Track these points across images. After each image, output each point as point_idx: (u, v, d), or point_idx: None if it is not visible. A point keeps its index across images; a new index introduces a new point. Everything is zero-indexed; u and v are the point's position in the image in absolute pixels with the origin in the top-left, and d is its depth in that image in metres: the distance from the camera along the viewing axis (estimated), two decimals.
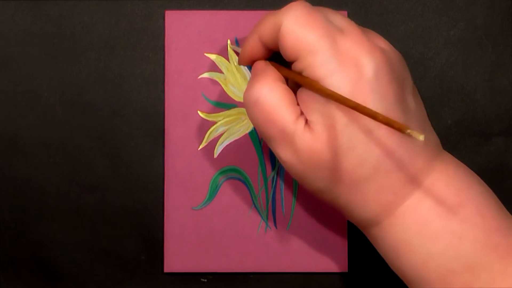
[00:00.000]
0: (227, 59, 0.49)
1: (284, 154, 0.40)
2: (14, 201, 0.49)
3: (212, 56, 0.49)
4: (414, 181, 0.39)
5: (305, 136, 0.39)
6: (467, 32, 0.49)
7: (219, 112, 0.49)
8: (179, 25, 0.49)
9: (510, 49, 0.49)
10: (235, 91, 0.49)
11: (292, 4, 0.40)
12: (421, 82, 0.49)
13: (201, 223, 0.49)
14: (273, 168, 0.49)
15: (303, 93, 0.40)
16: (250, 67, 0.49)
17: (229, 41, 0.48)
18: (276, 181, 0.49)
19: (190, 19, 0.49)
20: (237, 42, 0.49)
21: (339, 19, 0.40)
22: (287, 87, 0.41)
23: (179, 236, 0.48)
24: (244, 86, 0.49)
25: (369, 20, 0.49)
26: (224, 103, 0.49)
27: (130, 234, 0.49)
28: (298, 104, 0.40)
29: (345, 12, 0.49)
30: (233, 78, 0.49)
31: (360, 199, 0.40)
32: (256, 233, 0.49)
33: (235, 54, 0.49)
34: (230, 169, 0.49)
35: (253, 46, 0.43)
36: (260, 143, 0.49)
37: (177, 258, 0.48)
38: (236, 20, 0.49)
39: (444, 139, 0.49)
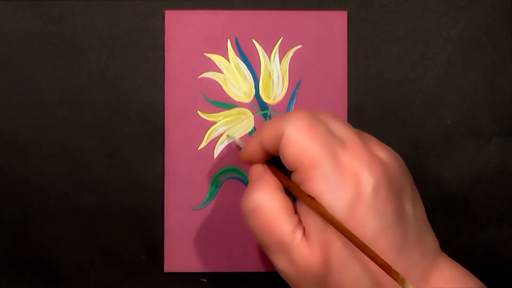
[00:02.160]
0: (227, 59, 0.49)
1: (281, 263, 0.40)
2: (14, 201, 0.49)
3: (212, 56, 0.49)
4: None
5: (301, 248, 0.39)
6: (467, 32, 0.49)
7: (219, 112, 0.49)
8: (179, 25, 0.49)
9: (510, 49, 0.49)
10: (235, 91, 0.49)
11: (295, 113, 0.40)
12: (421, 82, 0.49)
13: (201, 223, 0.49)
14: None
15: (303, 205, 0.40)
16: (253, 72, 0.49)
17: (237, 138, 0.48)
18: None
19: (190, 19, 0.49)
20: (237, 42, 0.49)
21: (340, 128, 0.40)
22: (285, 196, 0.41)
23: (179, 236, 0.48)
24: (244, 86, 0.49)
25: (369, 20, 0.49)
26: (224, 103, 0.49)
27: (130, 234, 0.49)
28: (296, 212, 0.40)
29: (345, 12, 0.49)
30: (233, 78, 0.49)
31: None
32: None
33: (235, 54, 0.49)
34: (230, 169, 0.49)
35: (254, 149, 0.42)
36: None
37: (177, 258, 0.48)
38: (236, 20, 0.49)
39: (444, 139, 0.49)
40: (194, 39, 0.49)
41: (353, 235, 0.37)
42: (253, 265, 0.49)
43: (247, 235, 0.49)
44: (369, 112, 0.49)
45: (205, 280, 0.49)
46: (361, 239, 0.37)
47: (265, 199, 0.40)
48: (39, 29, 0.49)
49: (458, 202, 0.49)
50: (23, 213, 0.49)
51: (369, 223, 0.38)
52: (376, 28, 0.49)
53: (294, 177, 0.40)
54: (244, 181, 0.49)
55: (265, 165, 0.43)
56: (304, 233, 0.39)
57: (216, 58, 0.49)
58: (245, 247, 0.49)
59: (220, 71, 0.49)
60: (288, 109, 0.49)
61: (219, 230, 0.49)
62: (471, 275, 0.42)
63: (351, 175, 0.38)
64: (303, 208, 0.40)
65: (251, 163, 0.44)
